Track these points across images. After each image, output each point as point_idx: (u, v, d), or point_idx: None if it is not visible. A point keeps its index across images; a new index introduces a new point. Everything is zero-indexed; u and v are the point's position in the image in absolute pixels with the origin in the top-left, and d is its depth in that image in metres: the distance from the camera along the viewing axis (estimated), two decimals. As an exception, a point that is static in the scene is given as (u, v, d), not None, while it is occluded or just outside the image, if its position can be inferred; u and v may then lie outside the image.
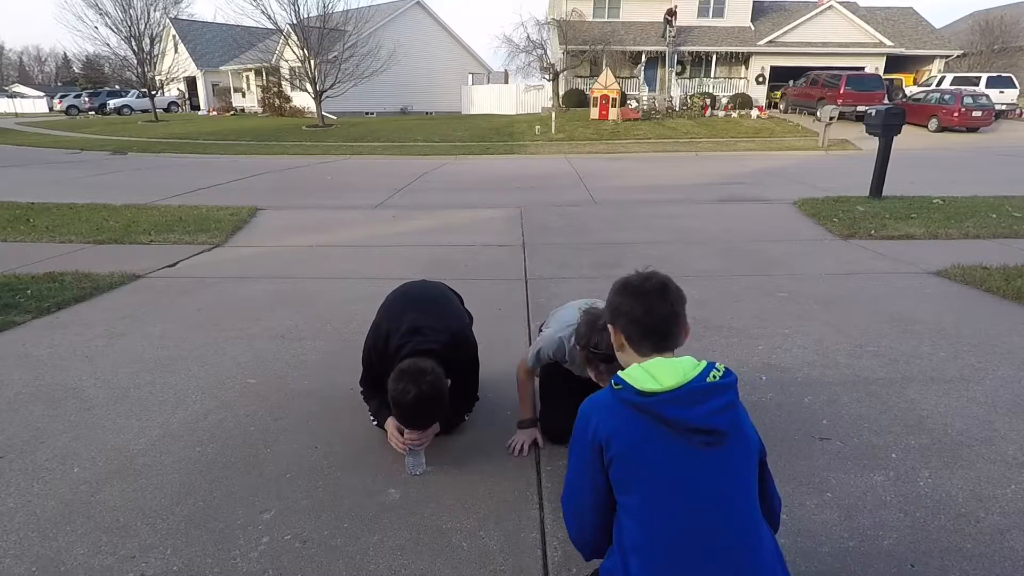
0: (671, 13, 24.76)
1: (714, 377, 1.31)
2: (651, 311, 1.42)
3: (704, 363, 1.35)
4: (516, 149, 16.22)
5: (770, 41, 25.74)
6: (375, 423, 2.37)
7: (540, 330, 2.48)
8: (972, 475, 2.12)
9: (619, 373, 1.37)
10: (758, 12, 27.50)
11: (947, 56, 26.51)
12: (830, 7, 25.64)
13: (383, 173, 11.74)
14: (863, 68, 24.93)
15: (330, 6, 22.74)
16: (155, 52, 27.77)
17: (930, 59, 26.50)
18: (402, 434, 2.14)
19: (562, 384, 2.34)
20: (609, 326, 1.52)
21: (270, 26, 23.59)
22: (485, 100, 32.56)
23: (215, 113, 34.40)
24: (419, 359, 2.07)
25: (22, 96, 52.23)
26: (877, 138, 7.51)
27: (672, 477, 1.26)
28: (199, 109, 37.39)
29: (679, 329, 1.44)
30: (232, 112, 33.86)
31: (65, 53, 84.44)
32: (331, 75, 22.81)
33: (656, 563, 1.25)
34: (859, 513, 1.93)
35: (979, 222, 6.12)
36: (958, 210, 6.70)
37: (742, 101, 24.07)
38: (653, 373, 1.31)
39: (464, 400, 2.45)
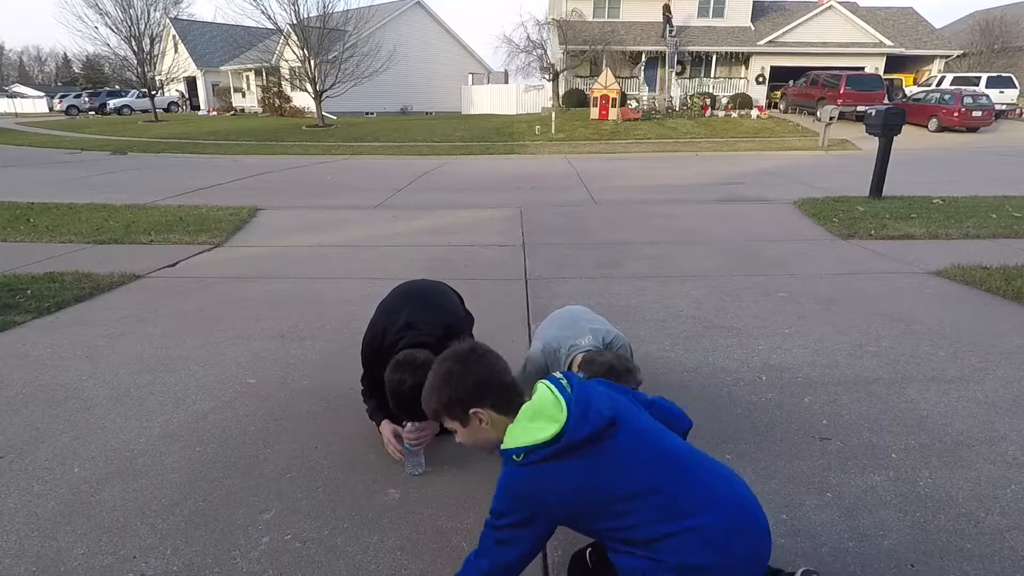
0: (668, 8, 24.77)
1: (567, 387, 1.37)
2: (503, 370, 1.47)
3: (553, 388, 1.37)
4: (516, 149, 16.22)
5: (770, 41, 25.73)
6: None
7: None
8: (972, 475, 2.12)
9: (504, 446, 1.35)
10: (758, 12, 27.48)
11: (947, 56, 26.50)
12: (830, 7, 25.63)
13: (383, 173, 11.73)
14: (863, 68, 24.90)
15: (330, 6, 22.76)
16: (155, 52, 27.75)
17: (930, 59, 26.49)
18: (399, 439, 2.14)
19: None
20: (473, 412, 1.43)
21: (270, 26, 23.59)
22: (485, 100, 32.52)
23: (215, 113, 34.37)
24: (414, 350, 2.07)
25: (22, 96, 52.17)
26: (877, 138, 7.51)
27: (624, 467, 1.30)
28: (199, 109, 37.35)
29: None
30: (232, 112, 33.82)
31: (65, 53, 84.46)
32: (331, 75, 22.80)
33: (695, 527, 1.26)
34: (859, 513, 1.93)
35: (979, 222, 6.12)
36: (958, 210, 6.69)
37: (742, 101, 24.05)
38: (537, 425, 1.32)
39: None
